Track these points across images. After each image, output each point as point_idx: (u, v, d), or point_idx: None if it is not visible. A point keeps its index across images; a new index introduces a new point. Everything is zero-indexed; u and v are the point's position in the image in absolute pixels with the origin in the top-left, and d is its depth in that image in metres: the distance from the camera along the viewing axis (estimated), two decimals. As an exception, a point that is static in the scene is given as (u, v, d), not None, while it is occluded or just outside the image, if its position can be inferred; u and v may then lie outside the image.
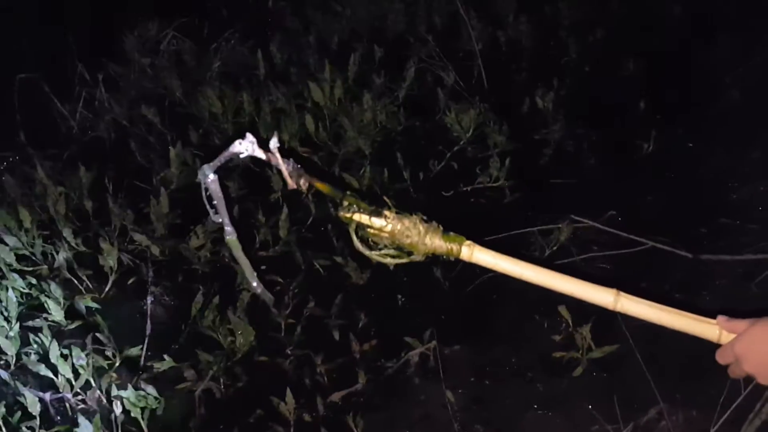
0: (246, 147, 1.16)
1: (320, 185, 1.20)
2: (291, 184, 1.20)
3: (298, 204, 2.82)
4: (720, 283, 2.42)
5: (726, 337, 1.01)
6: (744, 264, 2.41)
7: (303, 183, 1.20)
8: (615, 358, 2.15)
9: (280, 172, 1.20)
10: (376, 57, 3.66)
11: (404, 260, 1.15)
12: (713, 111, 3.16)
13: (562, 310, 2.29)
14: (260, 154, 1.17)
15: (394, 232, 1.11)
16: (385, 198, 1.18)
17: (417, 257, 1.13)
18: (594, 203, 2.75)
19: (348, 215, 1.14)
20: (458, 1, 3.79)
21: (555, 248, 2.59)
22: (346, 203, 1.15)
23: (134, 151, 3.23)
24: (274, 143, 1.16)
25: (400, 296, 2.50)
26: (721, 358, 1.02)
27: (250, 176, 2.98)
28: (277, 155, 1.16)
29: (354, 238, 1.16)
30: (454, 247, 1.11)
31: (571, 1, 3.83)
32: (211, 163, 1.18)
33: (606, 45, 3.64)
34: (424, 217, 1.14)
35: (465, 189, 3.02)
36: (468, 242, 1.12)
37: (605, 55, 3.57)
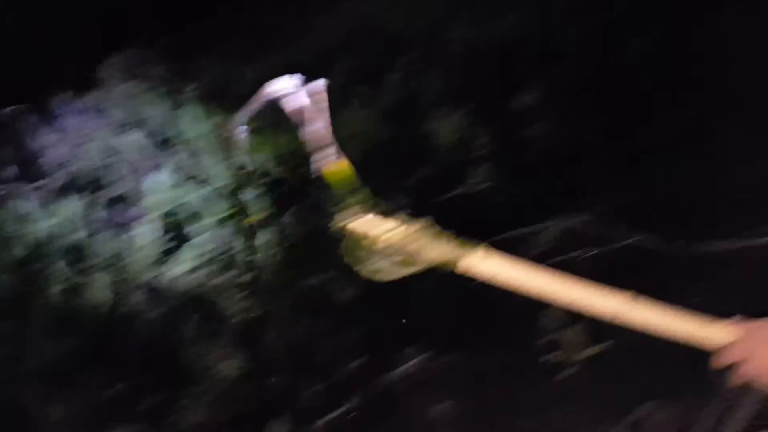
0: (286, 86, 1.03)
1: (343, 164, 1.10)
2: (325, 137, 1.07)
3: (279, 224, 2.80)
4: (712, 273, 2.38)
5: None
6: (736, 252, 2.37)
7: (333, 153, 1.10)
8: (604, 357, 2.14)
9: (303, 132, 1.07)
10: (359, 65, 3.63)
11: (401, 275, 1.07)
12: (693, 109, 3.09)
13: (551, 311, 2.26)
14: (304, 97, 1.05)
15: (405, 233, 1.02)
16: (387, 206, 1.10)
17: (418, 267, 1.05)
18: (582, 200, 2.72)
19: (349, 223, 1.05)
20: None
21: (546, 248, 2.57)
22: (352, 201, 1.06)
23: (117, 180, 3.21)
24: (321, 84, 1.04)
25: (389, 310, 2.47)
26: (722, 358, 1.02)
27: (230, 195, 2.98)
28: (324, 99, 1.05)
29: (344, 249, 1.07)
30: (464, 253, 1.03)
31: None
32: (241, 113, 1.05)
33: (591, 39, 3.57)
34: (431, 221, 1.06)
35: (453, 194, 2.99)
36: (480, 249, 1.05)
37: (590, 50, 3.51)
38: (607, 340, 2.15)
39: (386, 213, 1.02)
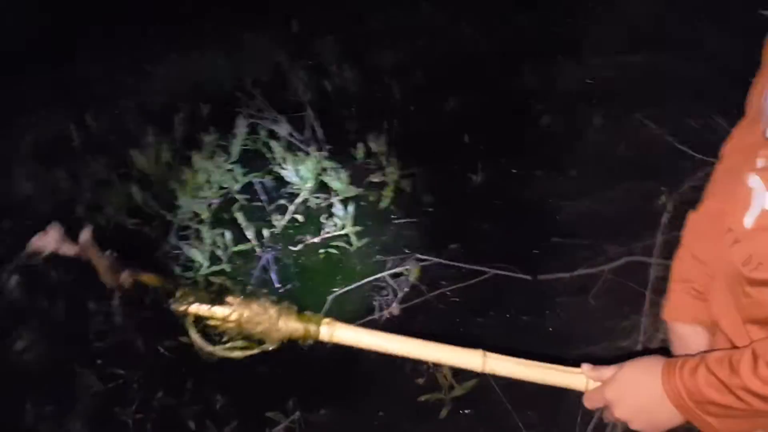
0: (48, 242, 1.00)
1: (147, 278, 1.06)
2: (109, 282, 1.06)
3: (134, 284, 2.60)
4: (560, 300, 2.56)
5: (592, 385, 1.01)
6: (579, 279, 2.57)
7: (126, 278, 1.06)
8: (476, 393, 2.19)
9: (95, 269, 1.05)
10: (203, 115, 3.54)
11: (255, 351, 1.03)
12: (530, 136, 3.39)
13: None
14: (68, 249, 1.01)
15: (241, 320, 0.99)
16: (224, 283, 1.07)
17: (270, 345, 1.01)
18: (436, 239, 2.83)
19: (182, 308, 1.01)
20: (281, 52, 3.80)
21: (407, 290, 2.62)
22: (179, 294, 1.02)
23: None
24: (85, 236, 1.00)
25: (256, 368, 2.38)
26: (589, 403, 1.01)
27: (74, 259, 2.72)
28: (90, 248, 1.01)
29: (193, 334, 1.03)
30: (312, 328, 1.01)
31: (389, 46, 3.97)
32: (8, 267, 0.99)
33: (426, 85, 3.79)
34: (273, 299, 1.04)
35: (313, 240, 2.97)
36: (327, 320, 1.03)
37: (427, 94, 3.72)
38: (473, 378, 2.21)
39: (219, 298, 1.00)
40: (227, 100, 3.69)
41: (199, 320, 1.02)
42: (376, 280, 2.67)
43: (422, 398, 2.22)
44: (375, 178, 3.27)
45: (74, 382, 2.27)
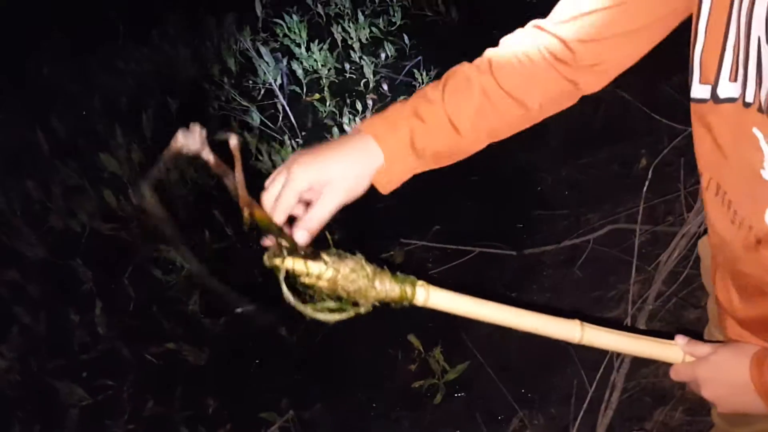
0: (193, 141, 0.88)
1: (259, 213, 0.96)
2: (242, 201, 0.94)
3: (113, 292, 2.57)
4: (546, 273, 2.55)
5: (688, 359, 0.98)
6: (564, 251, 2.55)
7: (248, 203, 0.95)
8: (469, 375, 2.18)
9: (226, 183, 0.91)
10: (172, 110, 3.45)
11: (350, 314, 0.91)
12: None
13: (412, 338, 2.28)
14: (209, 155, 0.90)
15: (336, 277, 0.89)
16: (327, 233, 0.97)
17: (363, 308, 0.91)
18: (418, 222, 2.79)
19: (278, 262, 0.89)
20: (249, 40, 3.70)
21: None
22: (271, 243, 0.91)
23: None
24: (234, 142, 0.90)
25: (246, 368, 2.35)
26: (677, 375, 0.99)
27: (49, 268, 2.68)
28: (237, 156, 0.90)
29: (284, 289, 0.93)
30: (408, 289, 0.92)
31: (356, 22, 3.88)
32: (149, 176, 0.87)
33: (398, 60, 3.72)
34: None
35: (293, 232, 2.93)
36: (421, 282, 0.93)
37: (399, 70, 3.65)
38: (464, 361, 2.20)
39: (316, 255, 0.91)
40: (195, 93, 3.61)
41: (290, 277, 0.89)
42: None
43: (416, 384, 2.21)
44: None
45: (61, 396, 2.23)
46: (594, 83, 1.01)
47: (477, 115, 0.97)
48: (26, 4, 4.08)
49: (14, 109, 3.59)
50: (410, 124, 0.95)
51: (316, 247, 0.91)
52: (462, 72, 0.99)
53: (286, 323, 2.38)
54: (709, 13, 0.79)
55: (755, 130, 0.76)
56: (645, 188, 2.36)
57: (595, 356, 2.01)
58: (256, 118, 3.43)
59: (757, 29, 0.73)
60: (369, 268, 0.91)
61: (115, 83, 3.72)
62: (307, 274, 0.89)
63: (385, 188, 1.00)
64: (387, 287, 0.92)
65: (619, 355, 1.92)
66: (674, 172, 2.43)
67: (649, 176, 2.29)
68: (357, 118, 3.31)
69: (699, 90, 0.83)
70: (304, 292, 0.90)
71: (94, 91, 3.65)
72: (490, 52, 1.01)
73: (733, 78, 0.78)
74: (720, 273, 0.98)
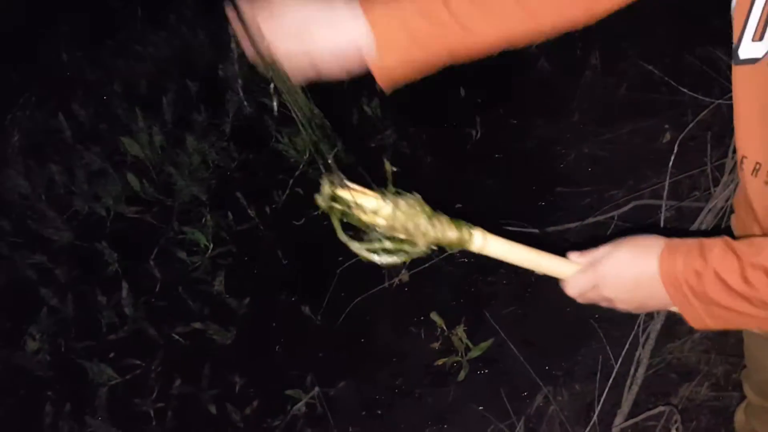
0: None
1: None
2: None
3: (141, 273, 2.60)
4: (570, 251, 2.52)
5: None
6: (589, 229, 2.52)
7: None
8: (493, 352, 2.18)
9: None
10: (192, 93, 3.46)
11: (405, 257, 0.87)
12: (528, 84, 3.30)
13: (434, 316, 2.28)
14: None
15: (395, 214, 0.84)
16: (385, 160, 0.92)
17: (419, 250, 0.88)
18: (439, 199, 2.77)
19: (334, 191, 0.84)
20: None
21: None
22: (326, 182, 0.84)
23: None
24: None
25: (272, 347, 2.37)
26: (573, 287, 0.95)
27: (76, 252, 2.72)
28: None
29: (337, 228, 0.87)
30: (466, 234, 0.90)
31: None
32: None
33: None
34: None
35: (315, 213, 2.93)
36: (479, 228, 0.91)
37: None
38: (488, 338, 2.19)
39: (372, 190, 0.86)
40: (214, 76, 3.61)
41: (345, 215, 0.85)
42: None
43: (439, 362, 2.22)
44: (372, 143, 3.21)
45: (90, 376, 2.27)
46: None
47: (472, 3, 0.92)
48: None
49: (36, 96, 3.62)
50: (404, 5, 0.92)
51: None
52: None
53: (310, 302, 2.40)
54: None
55: None
56: (671, 163, 2.33)
57: (620, 332, 2.00)
58: (274, 100, 3.42)
59: None
60: (428, 208, 0.88)
61: (134, 68, 3.73)
62: (364, 211, 0.84)
63: (382, 77, 0.94)
64: (446, 228, 0.88)
65: (645, 330, 1.90)
66: (699, 146, 2.39)
67: (675, 150, 2.26)
68: (375, 98, 3.29)
69: (749, 49, 0.79)
70: (358, 234, 0.85)
71: (114, 76, 3.67)
72: None
73: None
74: None
